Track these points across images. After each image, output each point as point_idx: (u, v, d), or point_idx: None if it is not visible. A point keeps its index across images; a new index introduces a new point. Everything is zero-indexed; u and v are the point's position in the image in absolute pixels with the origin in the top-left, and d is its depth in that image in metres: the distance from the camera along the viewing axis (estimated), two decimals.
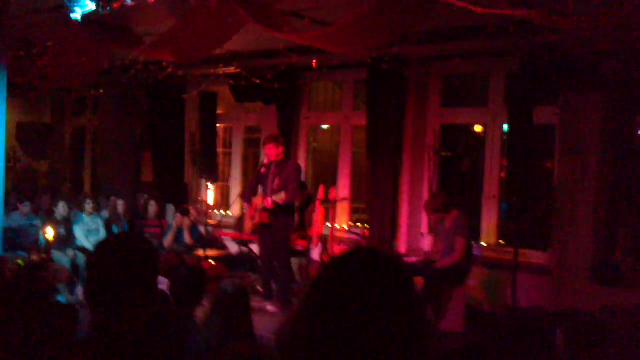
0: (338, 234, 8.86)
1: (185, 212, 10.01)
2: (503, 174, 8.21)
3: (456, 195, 8.25)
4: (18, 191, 11.52)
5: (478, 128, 8.91)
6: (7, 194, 9.23)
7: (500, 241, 8.30)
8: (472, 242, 7.66)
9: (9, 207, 9.54)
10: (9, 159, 12.56)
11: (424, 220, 8.90)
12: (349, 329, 1.28)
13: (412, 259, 7.72)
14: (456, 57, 8.06)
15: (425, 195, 8.78)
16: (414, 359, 1.32)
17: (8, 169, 9.50)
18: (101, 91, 11.93)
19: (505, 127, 8.01)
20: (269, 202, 7.89)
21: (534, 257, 7.88)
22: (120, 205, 10.38)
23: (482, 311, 7.62)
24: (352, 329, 1.28)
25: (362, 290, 1.32)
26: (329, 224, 8.41)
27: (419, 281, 7.03)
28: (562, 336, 3.89)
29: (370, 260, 1.38)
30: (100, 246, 2.32)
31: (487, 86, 8.48)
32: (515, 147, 7.27)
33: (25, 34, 8.14)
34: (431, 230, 8.47)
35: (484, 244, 8.32)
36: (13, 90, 7.13)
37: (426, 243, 8.65)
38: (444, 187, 8.76)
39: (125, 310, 2.15)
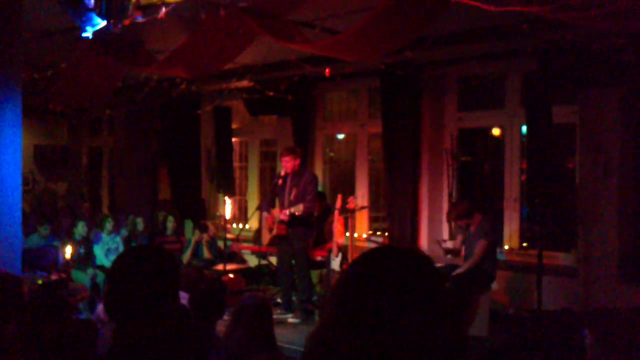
0: (358, 244, 8.78)
1: (204, 229, 9.99)
2: (523, 177, 8.10)
3: (477, 199, 8.14)
4: (38, 213, 11.59)
5: (496, 131, 8.80)
6: (27, 216, 9.28)
7: (524, 244, 8.18)
8: (497, 246, 7.53)
9: (29, 229, 9.59)
10: (27, 181, 12.68)
11: (445, 226, 8.80)
12: (378, 331, 1.22)
13: (436, 265, 7.61)
14: (471, 59, 7.98)
15: (445, 200, 8.69)
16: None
17: (26, 192, 9.58)
18: (115, 111, 11.99)
19: (524, 128, 7.91)
20: (285, 215, 7.85)
21: (559, 258, 7.76)
22: (140, 223, 10.39)
23: (507, 315, 7.49)
24: (382, 331, 1.22)
25: (387, 289, 1.25)
26: (348, 234, 8.34)
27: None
28: (591, 336, 3.79)
29: (393, 256, 1.32)
30: (121, 258, 2.28)
31: (503, 87, 8.39)
32: (535, 148, 7.15)
33: (38, 57, 8.19)
34: (452, 236, 8.36)
35: (507, 247, 8.20)
36: (29, 113, 7.17)
37: (448, 245, 8.55)
38: (464, 192, 8.67)
39: (146, 323, 2.12)
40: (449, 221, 8.36)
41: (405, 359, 1.20)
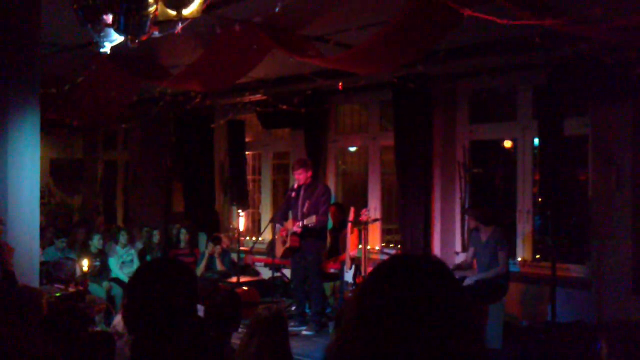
0: (371, 256, 8.80)
1: (216, 241, 10.04)
2: (535, 189, 8.11)
3: (490, 211, 8.15)
4: (53, 226, 11.70)
5: (508, 143, 8.82)
6: (44, 229, 9.39)
7: (537, 256, 8.18)
8: (509, 257, 7.56)
9: (45, 242, 9.68)
10: (43, 195, 12.80)
11: (458, 238, 8.81)
12: (398, 342, 1.22)
13: None
14: (482, 72, 8.02)
15: (458, 212, 8.72)
16: None
17: (42, 205, 9.65)
18: (130, 124, 12.09)
19: (536, 140, 7.93)
20: (297, 227, 7.90)
21: (572, 270, 7.74)
22: (156, 235, 10.48)
23: (520, 327, 7.48)
24: (400, 341, 1.22)
25: (405, 297, 1.25)
26: (360, 246, 8.36)
27: None
28: (606, 348, 3.79)
29: (411, 264, 1.33)
30: (140, 271, 2.32)
31: (515, 100, 8.42)
32: (547, 160, 7.17)
33: (56, 71, 8.31)
34: (465, 247, 8.37)
35: (520, 259, 8.19)
36: (45, 127, 7.27)
37: (457, 260, 8.56)
38: (476, 205, 8.67)
39: (164, 335, 2.14)
40: (463, 214, 8.38)
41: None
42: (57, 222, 12.61)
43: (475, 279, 7.20)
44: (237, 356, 4.10)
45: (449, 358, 1.22)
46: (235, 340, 4.61)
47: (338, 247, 8.91)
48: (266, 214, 11.29)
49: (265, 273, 10.12)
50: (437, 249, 8.82)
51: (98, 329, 6.72)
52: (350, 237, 8.09)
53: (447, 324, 1.24)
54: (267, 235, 10.52)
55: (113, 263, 9.57)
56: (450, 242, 8.86)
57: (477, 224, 7.44)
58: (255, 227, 11.82)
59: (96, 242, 9.53)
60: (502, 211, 8.69)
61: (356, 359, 1.25)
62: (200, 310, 4.76)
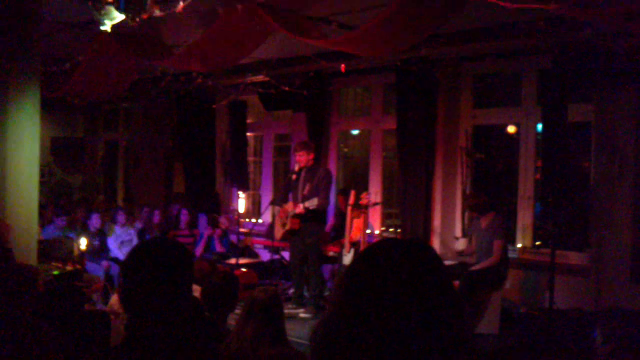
0: (371, 240, 8.79)
1: (214, 223, 10.05)
2: (538, 175, 8.07)
3: (491, 196, 8.14)
4: (53, 205, 11.70)
5: (511, 128, 8.77)
6: (42, 207, 9.39)
7: (537, 242, 8.16)
8: (508, 244, 7.55)
9: (44, 220, 9.69)
10: (43, 173, 12.80)
11: (458, 223, 8.79)
12: (382, 324, 1.22)
13: (448, 262, 7.63)
14: (487, 56, 7.96)
15: (459, 197, 8.68)
16: (452, 355, 1.25)
17: (43, 183, 9.66)
18: (131, 104, 12.05)
19: (539, 126, 7.88)
20: (300, 208, 7.88)
21: (571, 257, 7.73)
22: (156, 215, 10.48)
23: (518, 313, 7.49)
24: (386, 324, 1.22)
25: (390, 281, 1.25)
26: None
27: (454, 284, 6.92)
28: (601, 335, 3.80)
29: (396, 248, 1.32)
30: (135, 250, 2.30)
31: (519, 85, 8.36)
32: (550, 146, 7.13)
33: (56, 50, 8.26)
34: (465, 233, 8.36)
35: (520, 246, 8.18)
36: (46, 106, 7.24)
37: (460, 246, 8.54)
38: (478, 189, 8.65)
39: (159, 315, 2.14)
40: (464, 209, 8.39)
41: (406, 351, 1.21)
42: (57, 201, 12.61)
43: (472, 270, 7.21)
44: (233, 337, 4.10)
45: (429, 341, 1.22)
46: (232, 321, 4.60)
47: (343, 230, 8.89)
48: (266, 196, 11.28)
49: (265, 255, 10.12)
50: (437, 234, 8.81)
51: (96, 307, 6.74)
52: (356, 222, 8.05)
53: (428, 308, 1.24)
54: (266, 217, 10.51)
55: (112, 242, 9.58)
56: (450, 227, 8.84)
57: (475, 214, 7.43)
58: (255, 209, 11.81)
59: (94, 220, 9.53)
60: (500, 197, 8.67)
61: (340, 339, 1.26)
62: (197, 290, 4.76)
